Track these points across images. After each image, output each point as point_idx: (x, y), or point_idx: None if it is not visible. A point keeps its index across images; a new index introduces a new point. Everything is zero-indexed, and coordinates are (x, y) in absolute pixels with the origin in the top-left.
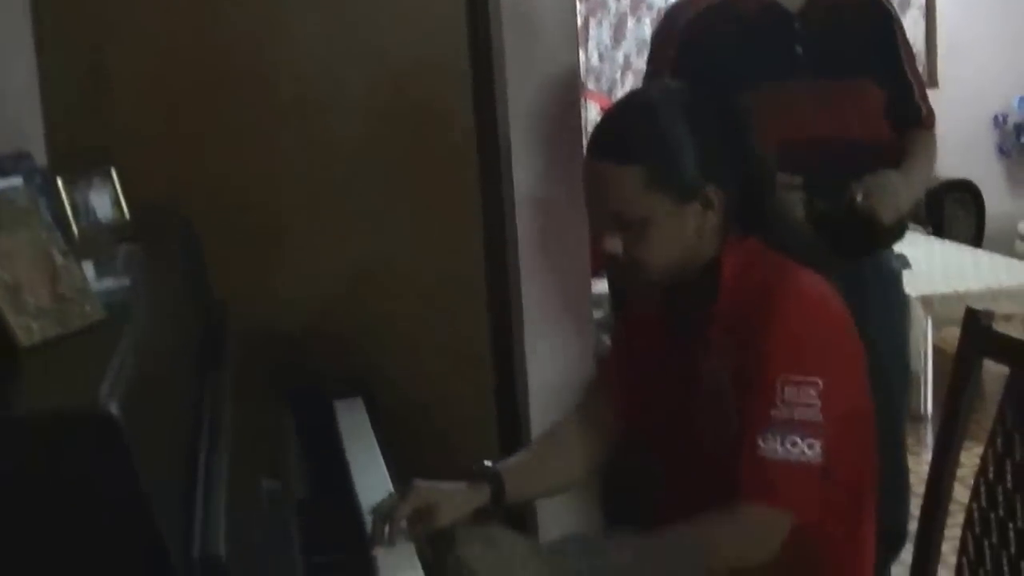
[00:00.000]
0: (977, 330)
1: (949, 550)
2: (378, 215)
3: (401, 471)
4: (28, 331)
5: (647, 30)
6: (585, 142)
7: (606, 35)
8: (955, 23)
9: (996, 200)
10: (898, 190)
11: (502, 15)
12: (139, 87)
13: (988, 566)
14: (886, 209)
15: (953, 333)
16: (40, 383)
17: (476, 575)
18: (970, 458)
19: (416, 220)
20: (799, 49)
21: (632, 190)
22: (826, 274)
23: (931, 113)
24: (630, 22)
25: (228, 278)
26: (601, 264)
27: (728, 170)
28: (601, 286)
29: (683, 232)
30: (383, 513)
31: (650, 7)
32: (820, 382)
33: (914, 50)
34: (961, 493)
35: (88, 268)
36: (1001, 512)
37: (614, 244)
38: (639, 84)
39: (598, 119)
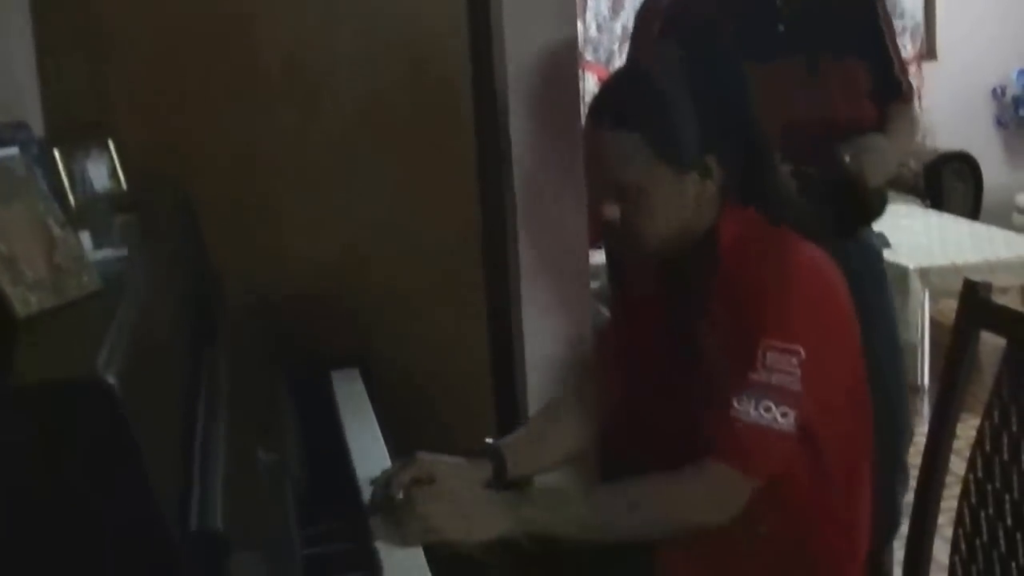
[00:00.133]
0: (974, 302)
1: (945, 522)
2: (375, 186)
3: (398, 442)
4: (25, 302)
5: None
6: (583, 112)
7: (604, 6)
8: None
9: (994, 172)
10: (884, 154)
11: None
12: (136, 57)
13: (984, 537)
14: (873, 170)
15: (950, 305)
16: (37, 354)
17: (443, 532)
18: (966, 430)
19: (413, 191)
20: (781, 28)
21: (630, 158)
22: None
23: (911, 87)
24: None
25: (225, 249)
26: (599, 236)
27: (728, 141)
28: (598, 257)
29: (681, 201)
30: (383, 481)
31: None
32: (803, 352)
33: (914, 22)
34: (958, 465)
35: (85, 239)
36: (997, 484)
37: (612, 211)
38: None
39: (596, 89)
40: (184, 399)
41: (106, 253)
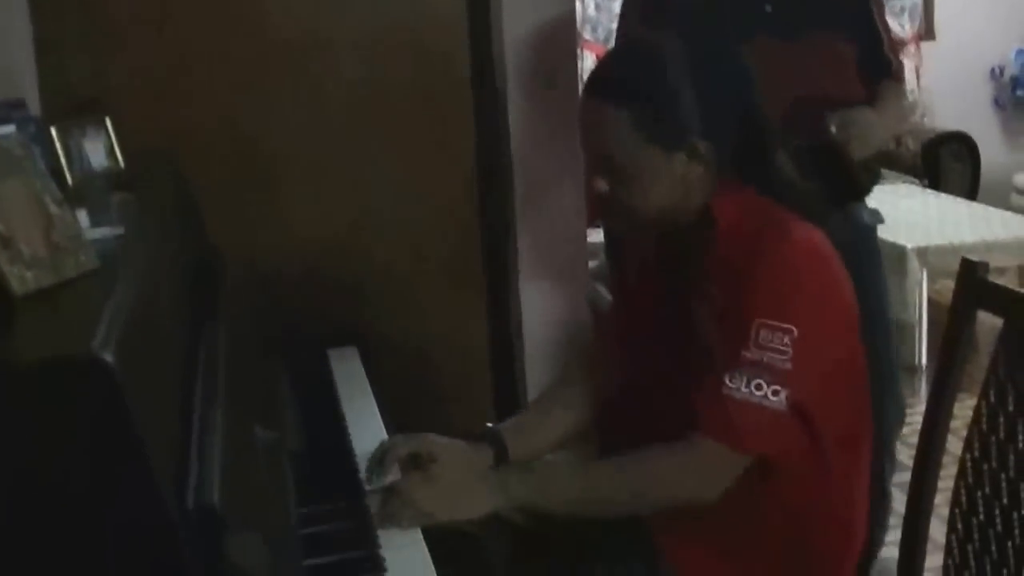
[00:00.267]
0: (972, 281)
1: (942, 501)
2: (374, 166)
3: (396, 421)
4: (22, 280)
5: None
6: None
7: None
8: None
9: (992, 153)
10: (872, 125)
11: None
12: (136, 36)
13: (981, 517)
14: (859, 142)
15: (948, 285)
16: (34, 332)
17: (434, 515)
18: (963, 410)
19: (412, 172)
20: (768, 7)
21: (619, 133)
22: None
23: (902, 66)
24: None
25: (223, 226)
26: (596, 214)
27: (721, 123)
28: (596, 236)
29: (667, 180)
30: (378, 455)
31: None
32: (795, 331)
33: (912, 2)
34: (954, 445)
35: (82, 217)
36: (994, 463)
37: (600, 185)
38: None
39: None
40: (182, 377)
41: (103, 231)
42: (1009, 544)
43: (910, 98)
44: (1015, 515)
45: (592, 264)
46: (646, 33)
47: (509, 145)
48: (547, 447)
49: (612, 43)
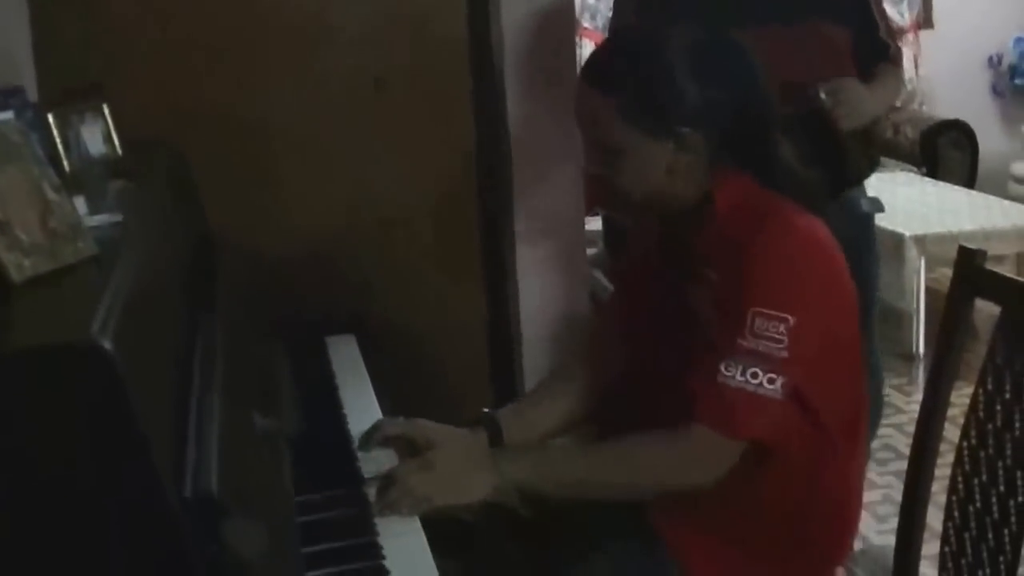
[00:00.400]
0: (969, 269)
1: (939, 489)
2: (373, 154)
3: (394, 409)
4: (20, 267)
5: None
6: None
7: None
8: None
9: (990, 141)
10: (861, 98)
11: None
12: (133, 18)
13: (978, 504)
14: (847, 110)
15: (946, 274)
16: (32, 318)
17: (432, 500)
18: (961, 398)
19: (410, 155)
20: None
21: (607, 118)
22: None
23: (899, 51)
24: None
25: (223, 213)
26: (594, 202)
27: (717, 113)
28: (595, 224)
29: (652, 168)
30: (370, 431)
31: None
32: (791, 319)
33: None
34: (952, 433)
35: (80, 203)
36: (991, 450)
37: (592, 167)
38: None
39: None
40: (180, 364)
41: (101, 218)
42: (1006, 532)
43: (908, 85)
44: (1012, 503)
45: (590, 252)
46: (640, 22)
47: (507, 133)
48: (543, 434)
49: None
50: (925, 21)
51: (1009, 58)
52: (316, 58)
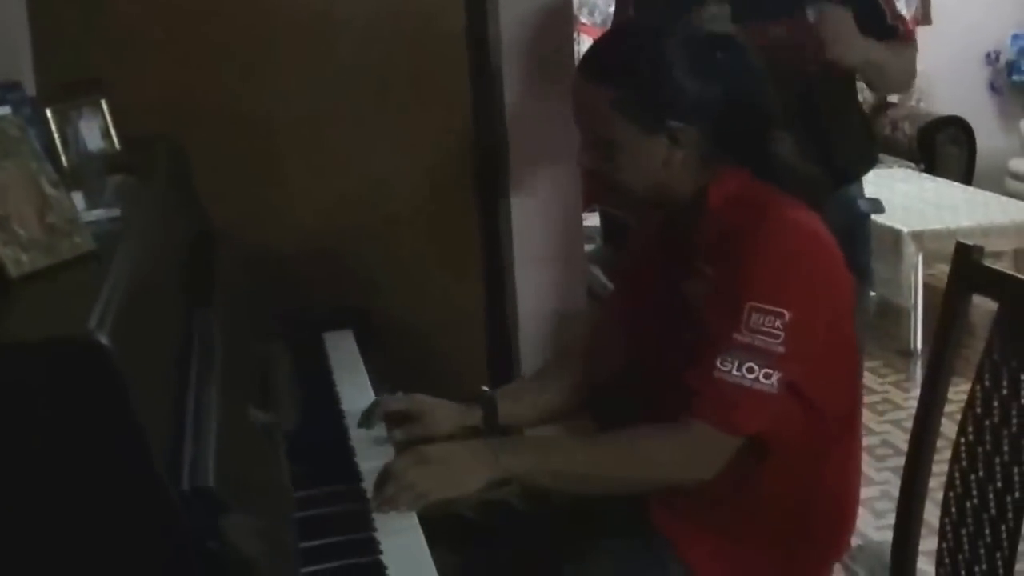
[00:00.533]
0: (967, 265)
1: (936, 485)
2: (371, 145)
3: None
4: (17, 262)
5: None
6: None
7: None
8: None
9: (987, 137)
10: (851, 28)
11: None
12: (137, 15)
13: (975, 500)
14: (836, 35)
15: (944, 270)
16: (30, 313)
17: (431, 493)
18: (958, 394)
19: (409, 151)
20: None
21: (600, 111)
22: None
23: (910, 33)
24: None
25: (225, 207)
26: (591, 198)
27: (709, 109)
28: (592, 220)
29: (647, 162)
30: (370, 408)
31: None
32: (788, 314)
33: None
34: (949, 429)
35: (78, 199)
36: (988, 446)
37: (586, 159)
38: None
39: None
40: (177, 358)
41: (99, 213)
42: (1003, 527)
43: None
44: (1008, 498)
45: (588, 248)
46: (639, 17)
47: (505, 128)
48: (538, 416)
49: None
50: (923, 17)
51: (1007, 55)
52: (321, 54)
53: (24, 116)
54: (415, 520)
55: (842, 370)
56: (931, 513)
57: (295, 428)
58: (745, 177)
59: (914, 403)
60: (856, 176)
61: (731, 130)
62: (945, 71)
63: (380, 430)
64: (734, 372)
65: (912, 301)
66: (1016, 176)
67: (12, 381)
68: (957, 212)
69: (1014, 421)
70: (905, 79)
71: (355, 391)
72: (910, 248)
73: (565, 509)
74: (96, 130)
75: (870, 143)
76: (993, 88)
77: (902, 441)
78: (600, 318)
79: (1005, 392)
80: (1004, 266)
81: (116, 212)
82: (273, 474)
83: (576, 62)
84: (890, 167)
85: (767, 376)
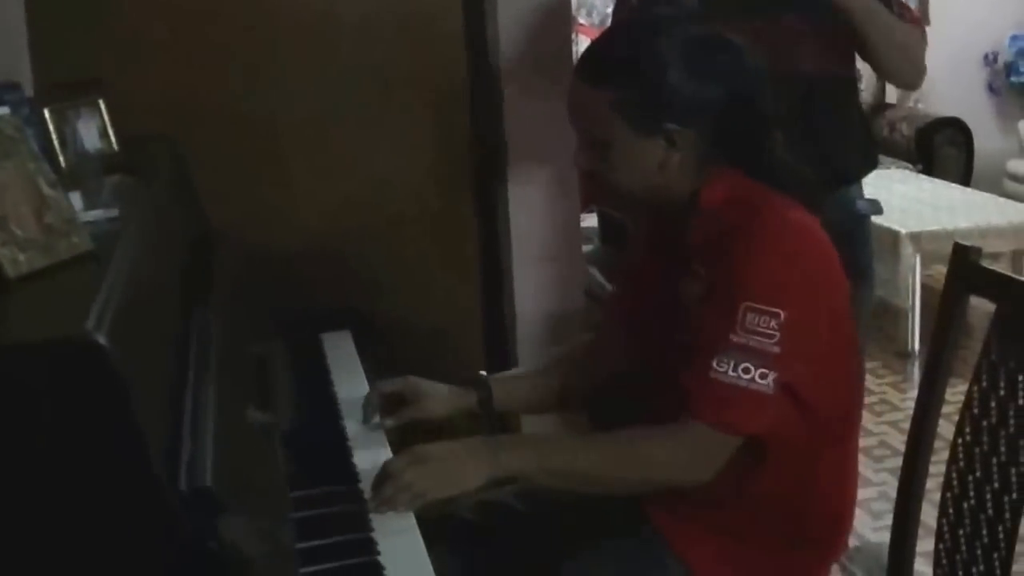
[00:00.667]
0: (964, 266)
1: (934, 486)
2: (370, 147)
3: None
4: (15, 262)
5: None
6: None
7: None
8: None
9: (986, 138)
10: None
11: None
12: (139, 16)
13: (972, 501)
14: None
15: (941, 271)
16: (27, 314)
17: (429, 493)
18: (955, 395)
19: (408, 153)
20: None
21: (597, 111)
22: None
23: (917, 20)
24: None
25: (228, 208)
26: (589, 200)
27: (706, 111)
28: (590, 221)
29: (644, 164)
30: (372, 390)
31: None
32: (783, 314)
33: None
34: (946, 430)
35: (76, 199)
36: (985, 447)
37: (582, 159)
38: None
39: None
40: (175, 358)
41: (97, 214)
42: (1000, 528)
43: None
44: (1006, 499)
45: (586, 248)
46: (636, 18)
47: (503, 130)
48: (533, 404)
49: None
50: (921, 18)
51: (1005, 56)
52: (323, 55)
53: (22, 116)
54: (413, 520)
55: (841, 371)
56: (928, 514)
57: (293, 428)
58: (741, 178)
59: (911, 404)
60: (857, 177)
61: (730, 132)
62: (943, 72)
63: (380, 430)
64: (730, 373)
65: (910, 302)
66: (1014, 177)
67: (10, 381)
68: (955, 213)
69: (1011, 422)
70: (912, 62)
71: (353, 391)
72: (908, 249)
73: (564, 509)
74: (94, 130)
75: (871, 145)
76: (991, 89)
77: (899, 442)
78: (603, 316)
79: (1002, 393)
80: (1002, 267)
81: (114, 212)
82: (271, 474)
83: (574, 63)
84: (888, 168)
85: (763, 376)
